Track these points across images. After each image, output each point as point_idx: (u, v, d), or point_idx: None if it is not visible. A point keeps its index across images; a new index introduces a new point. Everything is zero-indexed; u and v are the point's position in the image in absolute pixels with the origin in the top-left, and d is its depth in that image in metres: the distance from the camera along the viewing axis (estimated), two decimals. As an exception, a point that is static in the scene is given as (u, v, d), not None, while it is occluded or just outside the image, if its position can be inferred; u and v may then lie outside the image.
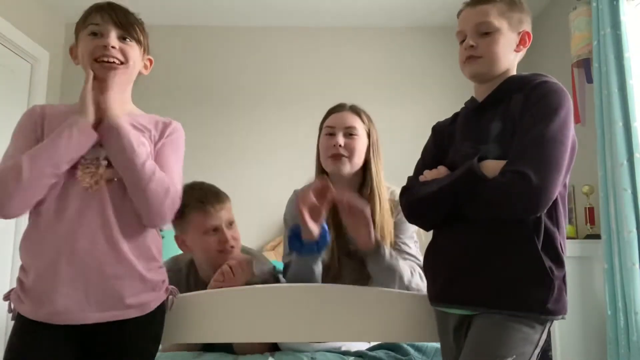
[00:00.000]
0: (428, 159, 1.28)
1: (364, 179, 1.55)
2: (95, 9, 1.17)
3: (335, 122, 1.55)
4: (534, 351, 1.07)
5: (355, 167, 1.52)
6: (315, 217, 1.37)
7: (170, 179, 1.13)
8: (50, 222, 1.05)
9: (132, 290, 1.10)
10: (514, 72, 1.22)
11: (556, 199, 1.07)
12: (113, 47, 1.14)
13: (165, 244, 3.79)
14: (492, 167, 1.08)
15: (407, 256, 1.46)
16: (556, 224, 1.10)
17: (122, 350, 1.11)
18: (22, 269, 1.07)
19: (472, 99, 1.26)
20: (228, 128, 3.76)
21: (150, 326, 1.16)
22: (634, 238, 2.22)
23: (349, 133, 1.52)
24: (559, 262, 1.08)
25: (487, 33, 1.17)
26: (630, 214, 2.24)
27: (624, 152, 2.29)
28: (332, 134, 1.54)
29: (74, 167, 1.08)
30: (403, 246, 1.49)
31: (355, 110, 1.57)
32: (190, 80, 3.78)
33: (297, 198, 1.35)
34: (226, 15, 3.70)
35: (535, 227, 1.07)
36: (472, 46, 1.18)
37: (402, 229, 1.51)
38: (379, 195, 1.49)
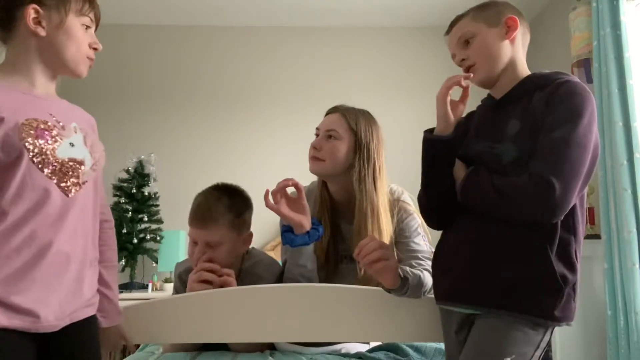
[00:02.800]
0: None
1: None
2: (90, 1, 1.11)
3: (321, 125, 1.55)
4: (534, 352, 1.06)
5: (335, 169, 1.49)
6: (298, 210, 1.43)
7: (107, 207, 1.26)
8: (25, 227, 0.97)
9: (93, 290, 1.13)
10: (520, 60, 1.19)
11: (574, 205, 1.06)
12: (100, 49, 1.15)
13: (165, 244, 3.78)
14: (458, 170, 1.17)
15: (420, 256, 1.42)
16: (573, 230, 1.08)
17: (82, 351, 1.10)
18: None
19: (490, 96, 1.24)
20: (228, 128, 3.76)
21: (97, 323, 1.16)
22: (634, 238, 2.22)
23: (328, 136, 1.51)
24: (571, 269, 1.07)
25: (470, 41, 1.19)
26: (630, 214, 2.24)
27: (624, 152, 2.29)
28: (317, 136, 1.55)
29: (50, 168, 1.01)
30: (414, 245, 1.45)
31: (344, 113, 1.53)
32: (190, 81, 3.78)
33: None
34: (226, 16, 3.70)
35: (550, 233, 1.06)
36: (463, 59, 1.20)
37: (407, 227, 1.48)
38: (359, 201, 1.46)
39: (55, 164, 1.01)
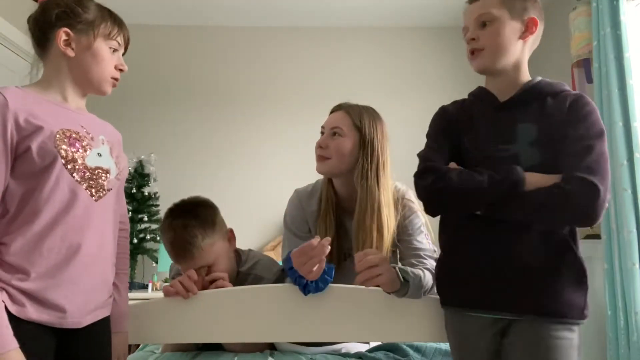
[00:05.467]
0: (442, 141, 1.22)
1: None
2: (119, 26, 1.19)
3: (326, 123, 1.55)
4: (578, 355, 1.09)
5: (341, 166, 1.49)
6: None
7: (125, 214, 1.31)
8: (57, 227, 1.04)
9: (110, 291, 1.19)
10: (525, 64, 1.20)
11: None
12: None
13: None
14: (535, 181, 1.06)
15: (422, 254, 1.43)
16: (577, 232, 1.13)
17: (100, 350, 1.16)
18: (18, 270, 1.01)
19: (489, 94, 1.21)
20: (228, 128, 3.76)
21: (110, 326, 1.20)
22: (634, 238, 2.22)
23: (333, 133, 1.50)
24: (583, 263, 1.13)
25: (488, 24, 1.16)
26: (630, 214, 2.24)
27: (624, 152, 2.29)
28: (322, 134, 1.55)
29: (80, 174, 1.08)
30: (417, 243, 1.46)
31: (348, 110, 1.53)
32: (191, 81, 3.79)
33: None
34: (226, 15, 3.70)
35: (572, 233, 1.10)
36: (473, 39, 1.18)
37: (410, 225, 1.49)
38: (360, 197, 1.45)
39: (85, 170, 1.09)
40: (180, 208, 1.47)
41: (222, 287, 1.37)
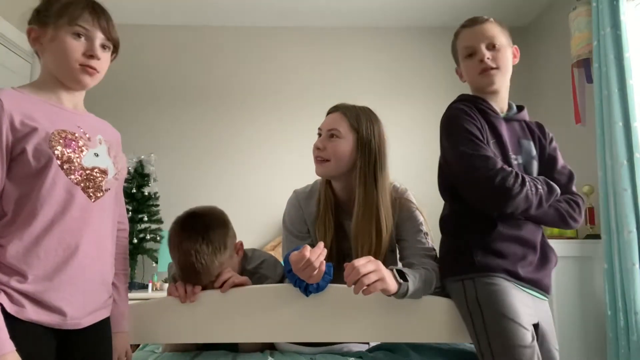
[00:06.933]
0: (484, 140, 1.29)
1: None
2: (85, 8, 1.12)
3: (323, 125, 1.55)
4: None
5: (340, 168, 1.49)
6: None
7: (124, 216, 1.32)
8: (54, 229, 1.04)
9: (109, 292, 1.18)
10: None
11: None
12: (98, 58, 1.12)
13: (165, 244, 3.76)
14: None
15: (422, 254, 1.43)
16: None
17: (98, 351, 1.15)
18: (16, 272, 1.00)
19: (489, 104, 1.35)
20: (229, 128, 3.76)
21: (110, 326, 1.19)
22: (634, 238, 2.22)
23: (330, 135, 1.50)
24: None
25: (496, 48, 1.32)
26: (630, 214, 2.24)
27: (624, 152, 2.29)
28: (319, 136, 1.55)
29: (76, 175, 1.08)
30: (416, 243, 1.46)
31: (345, 111, 1.53)
32: (191, 81, 3.78)
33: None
34: (227, 16, 3.71)
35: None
36: (488, 58, 1.30)
37: (410, 224, 1.48)
38: (358, 198, 1.45)
39: (81, 171, 1.08)
40: (192, 226, 1.39)
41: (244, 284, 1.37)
